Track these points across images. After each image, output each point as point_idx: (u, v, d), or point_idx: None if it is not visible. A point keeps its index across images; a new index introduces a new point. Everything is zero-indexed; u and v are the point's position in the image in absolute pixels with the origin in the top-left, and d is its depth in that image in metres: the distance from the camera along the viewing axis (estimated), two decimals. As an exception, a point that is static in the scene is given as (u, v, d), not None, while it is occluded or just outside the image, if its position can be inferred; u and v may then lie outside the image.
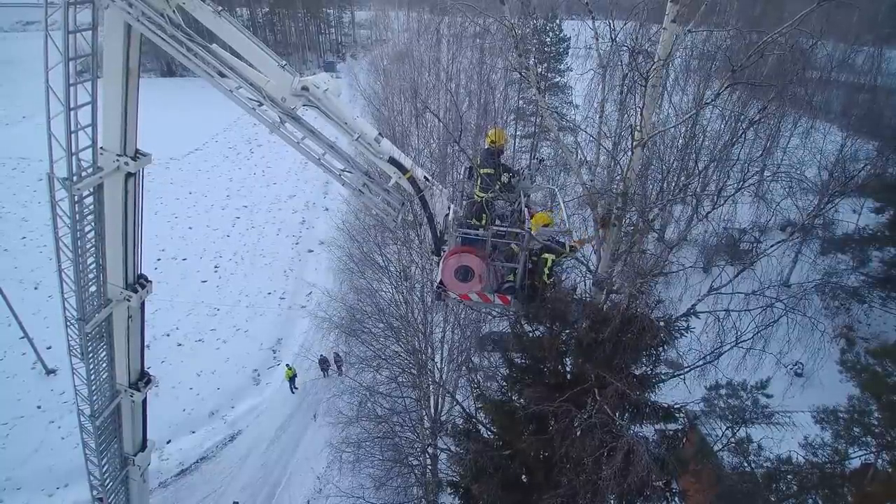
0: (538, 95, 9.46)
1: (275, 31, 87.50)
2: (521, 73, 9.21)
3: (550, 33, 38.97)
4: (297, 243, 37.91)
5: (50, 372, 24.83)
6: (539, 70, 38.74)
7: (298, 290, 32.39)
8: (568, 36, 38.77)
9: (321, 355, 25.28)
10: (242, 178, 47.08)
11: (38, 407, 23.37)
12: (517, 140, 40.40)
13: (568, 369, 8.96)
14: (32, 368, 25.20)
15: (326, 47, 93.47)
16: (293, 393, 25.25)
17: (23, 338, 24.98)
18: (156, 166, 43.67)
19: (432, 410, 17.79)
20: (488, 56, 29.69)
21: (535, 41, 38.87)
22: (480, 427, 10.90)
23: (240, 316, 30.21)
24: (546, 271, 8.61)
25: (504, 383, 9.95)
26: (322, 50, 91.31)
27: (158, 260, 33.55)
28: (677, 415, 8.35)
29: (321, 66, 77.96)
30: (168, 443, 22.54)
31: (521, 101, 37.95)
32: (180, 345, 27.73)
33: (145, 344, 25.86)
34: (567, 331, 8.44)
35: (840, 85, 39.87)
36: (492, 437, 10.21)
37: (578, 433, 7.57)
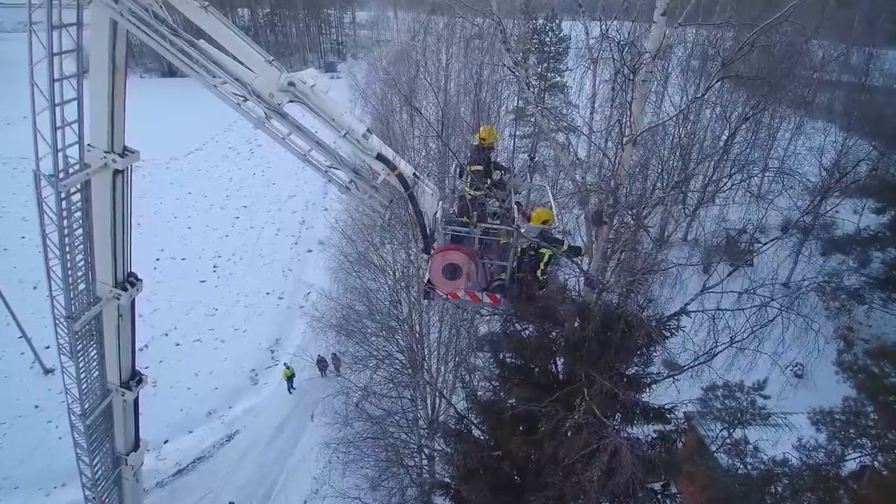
0: (528, 92, 9.37)
1: (276, 31, 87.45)
2: (512, 71, 9.14)
3: (550, 33, 38.93)
4: (296, 243, 37.88)
5: (48, 371, 24.81)
6: (539, 70, 38.72)
7: (297, 290, 32.35)
8: (568, 35, 38.75)
9: (319, 355, 25.21)
10: (242, 178, 47.10)
11: (36, 406, 23.38)
12: (516, 140, 40.35)
13: (560, 369, 8.88)
14: (31, 368, 25.21)
15: (327, 48, 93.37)
16: (291, 393, 25.19)
17: (21, 337, 24.96)
18: (156, 166, 44.21)
19: (429, 411, 17.73)
20: (486, 55, 29.65)
21: (534, 41, 38.92)
22: (473, 428, 10.83)
23: (238, 316, 30.16)
24: (542, 267, 8.55)
25: (496, 383, 9.87)
26: (323, 50, 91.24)
27: (157, 260, 33.53)
28: (668, 416, 8.26)
29: (322, 67, 77.82)
30: (165, 443, 22.49)
31: (519, 102, 37.89)
32: (178, 345, 27.69)
33: (144, 344, 25.94)
34: (557, 330, 8.36)
35: (842, 85, 39.80)
36: (483, 437, 10.12)
37: (568, 434, 7.48)
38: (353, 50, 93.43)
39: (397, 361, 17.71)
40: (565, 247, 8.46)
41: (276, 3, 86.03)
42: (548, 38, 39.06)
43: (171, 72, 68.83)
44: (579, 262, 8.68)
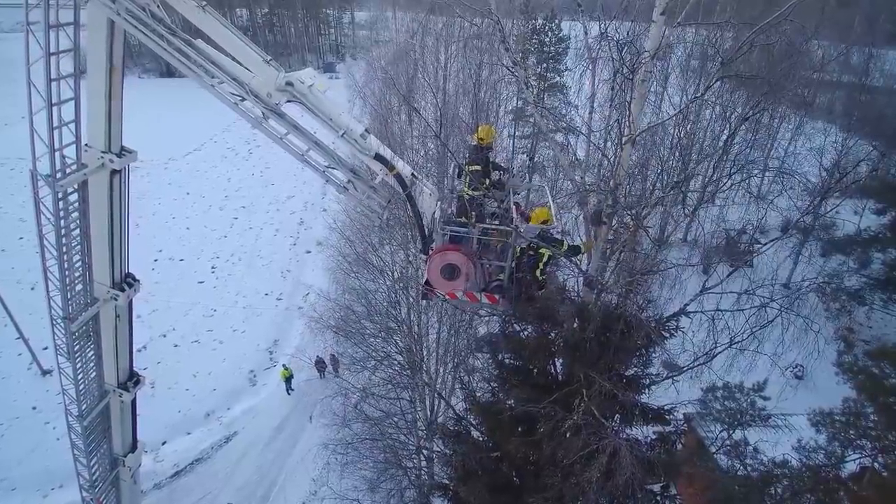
0: (527, 92, 9.35)
1: (274, 31, 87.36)
2: (511, 71, 9.11)
3: (549, 33, 38.90)
4: (294, 244, 37.84)
5: (46, 373, 24.74)
6: (538, 70, 38.68)
7: (296, 291, 32.28)
8: (567, 35, 38.71)
9: (317, 356, 25.16)
10: (241, 178, 47.05)
11: (34, 408, 23.32)
12: (515, 140, 40.30)
13: (559, 370, 8.85)
14: (28, 369, 25.14)
15: (326, 48, 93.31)
16: (289, 394, 25.13)
17: (19, 338, 24.92)
18: (154, 166, 44.13)
19: (428, 412, 17.68)
20: (485, 55, 29.66)
21: (534, 41, 38.88)
22: (472, 429, 10.79)
23: (237, 317, 30.11)
24: (541, 267, 8.51)
25: (494, 384, 9.83)
26: (321, 51, 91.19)
27: (155, 260, 33.54)
28: (668, 417, 8.23)
29: (321, 67, 77.74)
30: (163, 444, 22.43)
31: (518, 102, 37.87)
32: (177, 346, 27.64)
33: (142, 345, 25.84)
34: (556, 331, 8.32)
35: (842, 85, 39.81)
36: (482, 439, 10.09)
37: (567, 435, 7.45)
38: (351, 50, 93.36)
39: (396, 362, 17.66)
40: (564, 247, 8.43)
41: (275, 3, 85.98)
42: (547, 38, 39.02)
43: (169, 72, 68.84)
44: (578, 263, 8.64)
